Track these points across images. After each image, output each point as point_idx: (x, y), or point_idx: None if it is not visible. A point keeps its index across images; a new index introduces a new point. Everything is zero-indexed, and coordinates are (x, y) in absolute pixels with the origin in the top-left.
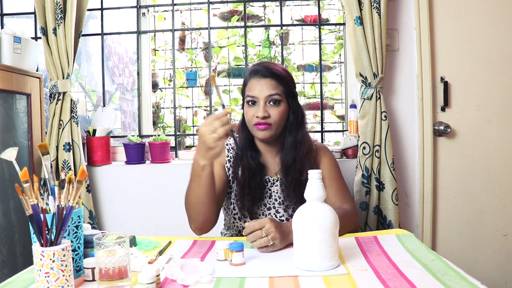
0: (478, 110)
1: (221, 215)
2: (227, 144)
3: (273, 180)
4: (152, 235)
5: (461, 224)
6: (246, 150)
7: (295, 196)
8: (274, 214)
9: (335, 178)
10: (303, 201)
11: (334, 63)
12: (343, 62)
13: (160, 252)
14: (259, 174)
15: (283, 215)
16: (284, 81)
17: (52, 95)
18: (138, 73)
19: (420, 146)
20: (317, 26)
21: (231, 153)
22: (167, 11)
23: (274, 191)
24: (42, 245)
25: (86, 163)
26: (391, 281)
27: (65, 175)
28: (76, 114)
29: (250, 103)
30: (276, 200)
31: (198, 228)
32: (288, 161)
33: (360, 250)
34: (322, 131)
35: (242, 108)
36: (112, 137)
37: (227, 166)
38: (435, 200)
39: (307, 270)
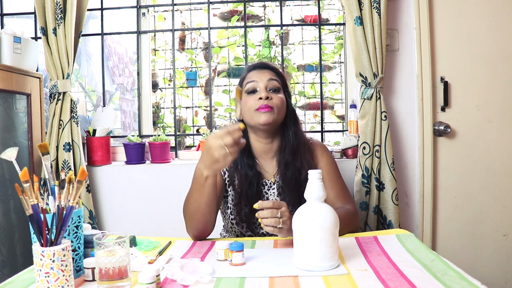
0: (478, 110)
1: (220, 217)
2: None
3: (270, 183)
4: (152, 235)
5: (461, 224)
6: (242, 157)
7: (292, 198)
8: None
9: (334, 179)
10: (300, 203)
11: (334, 63)
12: (343, 62)
13: (160, 252)
14: (255, 183)
15: None
16: (281, 76)
17: (52, 95)
18: (138, 73)
19: (420, 146)
20: (317, 26)
21: None
22: (167, 11)
23: (270, 194)
24: (42, 245)
25: (86, 163)
26: (391, 281)
27: (65, 175)
28: (76, 114)
29: (250, 91)
30: None
31: (196, 235)
32: (288, 158)
33: (360, 250)
34: (322, 131)
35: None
36: (112, 137)
37: (223, 171)
38: (435, 200)
39: (307, 270)
